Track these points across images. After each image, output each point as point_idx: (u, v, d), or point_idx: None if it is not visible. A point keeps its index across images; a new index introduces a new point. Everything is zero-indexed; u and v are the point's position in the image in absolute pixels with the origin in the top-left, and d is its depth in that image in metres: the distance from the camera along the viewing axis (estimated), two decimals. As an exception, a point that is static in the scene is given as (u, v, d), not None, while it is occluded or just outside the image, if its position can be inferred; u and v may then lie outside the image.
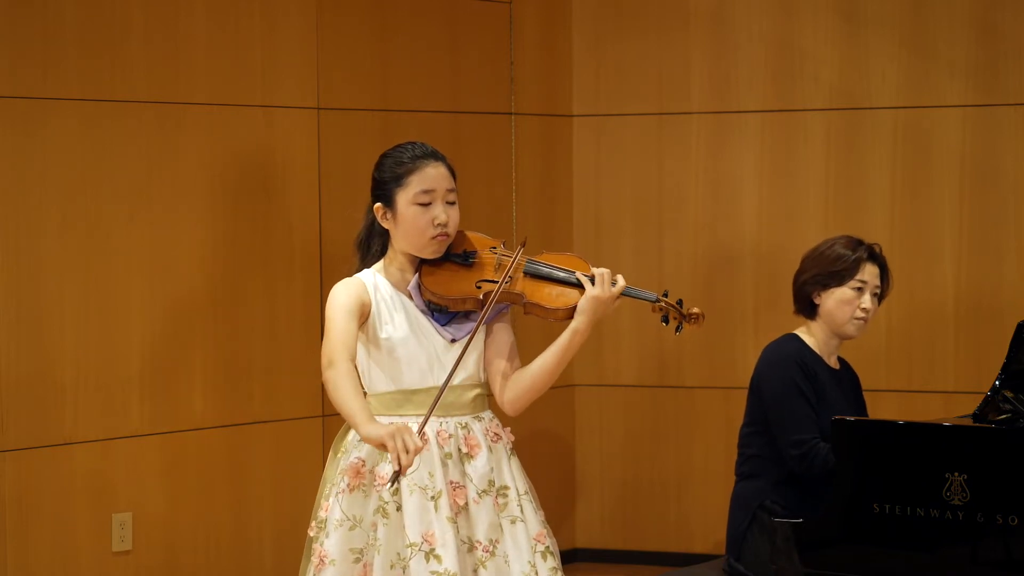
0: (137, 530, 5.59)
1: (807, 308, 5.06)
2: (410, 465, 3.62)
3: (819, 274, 5.02)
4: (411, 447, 3.59)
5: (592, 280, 3.92)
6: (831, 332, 5.04)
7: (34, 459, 5.37)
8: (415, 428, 3.70)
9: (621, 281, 3.95)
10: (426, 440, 3.83)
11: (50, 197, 5.41)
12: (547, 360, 3.95)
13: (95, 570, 5.50)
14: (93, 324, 5.49)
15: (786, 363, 4.95)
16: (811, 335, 5.06)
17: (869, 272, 5.02)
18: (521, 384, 3.95)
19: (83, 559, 5.48)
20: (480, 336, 3.98)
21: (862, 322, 5.02)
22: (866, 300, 5.01)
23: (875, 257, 5.05)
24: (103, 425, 5.52)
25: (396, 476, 3.66)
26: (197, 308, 5.72)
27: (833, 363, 5.08)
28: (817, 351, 5.03)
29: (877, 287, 5.05)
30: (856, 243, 5.04)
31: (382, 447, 3.64)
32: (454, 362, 3.87)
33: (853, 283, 5.00)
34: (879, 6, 6.54)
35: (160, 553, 5.65)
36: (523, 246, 3.93)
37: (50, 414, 5.40)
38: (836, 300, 5.00)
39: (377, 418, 3.90)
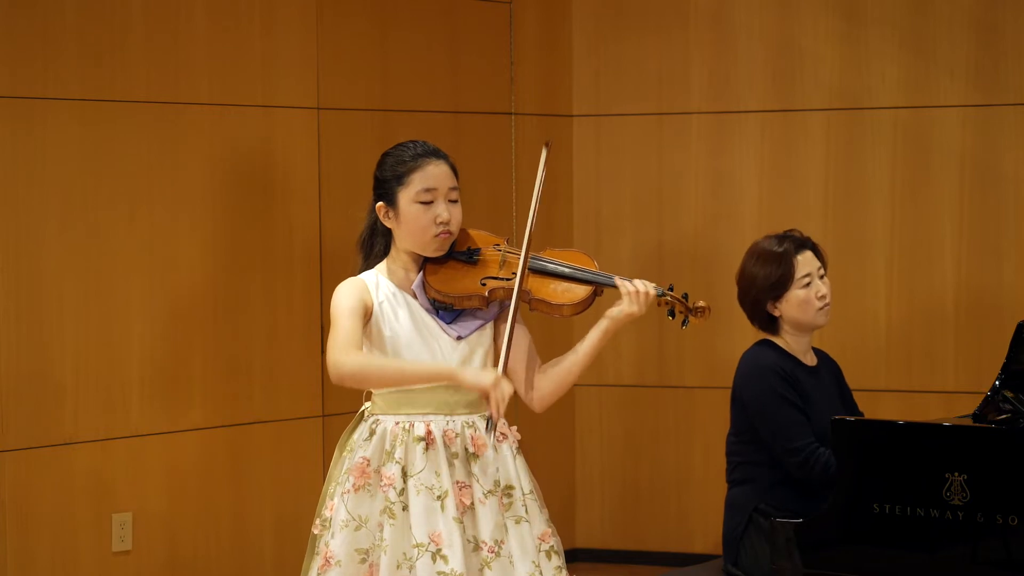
0: (137, 530, 5.58)
1: (768, 324, 5.00)
2: (502, 415, 3.80)
3: (763, 288, 4.95)
4: (507, 395, 3.76)
5: (633, 292, 3.95)
6: (800, 331, 4.98)
7: (34, 459, 5.36)
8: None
9: (652, 291, 3.98)
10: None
11: (50, 197, 5.40)
12: (577, 359, 3.99)
13: (95, 570, 5.50)
14: (93, 324, 5.49)
15: (764, 374, 4.89)
16: (782, 339, 5.01)
17: (805, 262, 4.95)
18: (551, 382, 4.00)
19: (83, 559, 5.47)
20: (488, 333, 3.98)
21: (827, 307, 4.97)
22: (820, 286, 4.96)
23: (800, 244, 4.96)
24: (103, 425, 5.52)
25: (493, 423, 3.81)
26: (197, 308, 5.72)
27: (810, 360, 5.04)
28: (792, 352, 4.99)
29: (820, 268, 4.98)
30: (778, 240, 4.96)
31: (484, 396, 3.79)
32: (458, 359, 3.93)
33: (799, 281, 4.95)
34: (879, 6, 6.53)
35: (160, 553, 5.64)
36: (547, 146, 3.99)
37: (50, 414, 5.40)
38: (794, 303, 4.93)
39: (381, 417, 3.92)
